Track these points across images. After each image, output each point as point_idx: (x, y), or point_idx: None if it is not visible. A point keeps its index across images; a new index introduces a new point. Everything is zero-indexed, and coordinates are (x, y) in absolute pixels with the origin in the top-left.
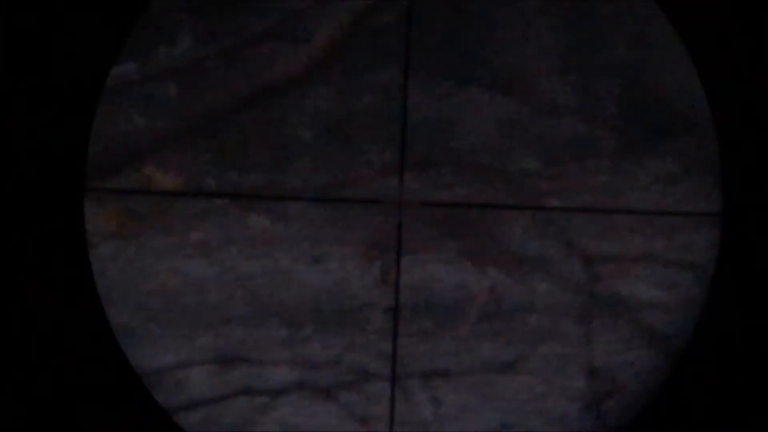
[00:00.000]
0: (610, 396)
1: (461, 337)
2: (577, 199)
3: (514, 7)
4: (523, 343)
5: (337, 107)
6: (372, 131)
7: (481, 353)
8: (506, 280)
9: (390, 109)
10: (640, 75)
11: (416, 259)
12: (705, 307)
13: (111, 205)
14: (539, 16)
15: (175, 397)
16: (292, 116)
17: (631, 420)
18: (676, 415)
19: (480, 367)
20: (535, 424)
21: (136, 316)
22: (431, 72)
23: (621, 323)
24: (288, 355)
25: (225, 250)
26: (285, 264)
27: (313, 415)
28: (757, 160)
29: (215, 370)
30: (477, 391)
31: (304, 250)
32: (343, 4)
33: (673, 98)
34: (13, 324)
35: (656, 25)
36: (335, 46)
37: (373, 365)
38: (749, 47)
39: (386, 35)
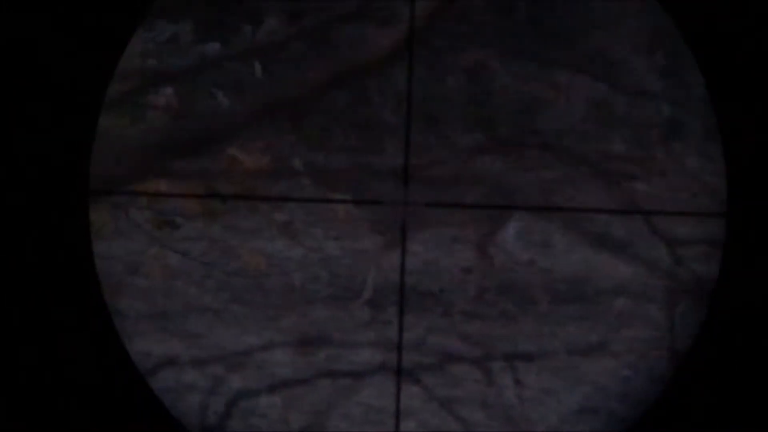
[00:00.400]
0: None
1: (544, 320)
2: (661, 181)
3: None
4: (607, 326)
5: (420, 89)
6: (456, 113)
7: (566, 336)
8: (590, 262)
9: (474, 91)
10: None
11: (496, 239)
12: (709, 307)
13: (195, 185)
14: None
15: (258, 379)
16: (376, 98)
17: (634, 421)
18: (679, 415)
19: (564, 350)
20: (617, 407)
21: (220, 296)
22: (517, 54)
23: (703, 307)
24: (371, 336)
25: (309, 232)
26: (368, 246)
27: (396, 397)
28: (762, 161)
29: (298, 352)
30: (560, 374)
31: (387, 232)
32: None
33: None
34: (14, 325)
35: None
36: (419, 28)
37: (457, 347)
38: (753, 47)
39: (471, 17)
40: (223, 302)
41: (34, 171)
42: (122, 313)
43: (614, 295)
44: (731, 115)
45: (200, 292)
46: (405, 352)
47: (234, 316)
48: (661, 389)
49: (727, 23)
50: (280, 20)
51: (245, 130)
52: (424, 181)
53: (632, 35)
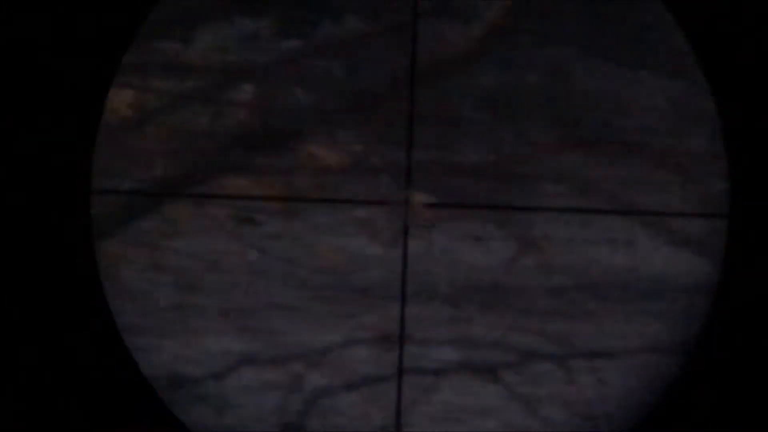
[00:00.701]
0: None
1: (626, 318)
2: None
3: None
4: (686, 324)
5: (503, 85)
6: (538, 110)
7: (647, 334)
8: (672, 260)
9: (557, 88)
10: None
11: (576, 238)
12: (712, 308)
13: (275, 182)
14: None
15: (338, 377)
16: (458, 94)
17: (635, 421)
18: (681, 417)
19: (645, 349)
20: None
21: (301, 294)
22: (598, 52)
23: None
24: (451, 334)
25: (389, 229)
26: (447, 243)
27: (477, 396)
28: (764, 161)
29: (379, 349)
30: (640, 372)
31: (466, 229)
32: None
33: None
34: (17, 327)
35: None
36: (502, 24)
37: (538, 345)
38: (754, 48)
39: (553, 15)
40: (303, 300)
41: (35, 170)
42: (201, 310)
43: (693, 294)
44: (733, 116)
45: (280, 289)
46: (485, 350)
47: (314, 313)
48: (663, 390)
49: (728, 23)
50: (361, 16)
51: (325, 126)
52: (503, 178)
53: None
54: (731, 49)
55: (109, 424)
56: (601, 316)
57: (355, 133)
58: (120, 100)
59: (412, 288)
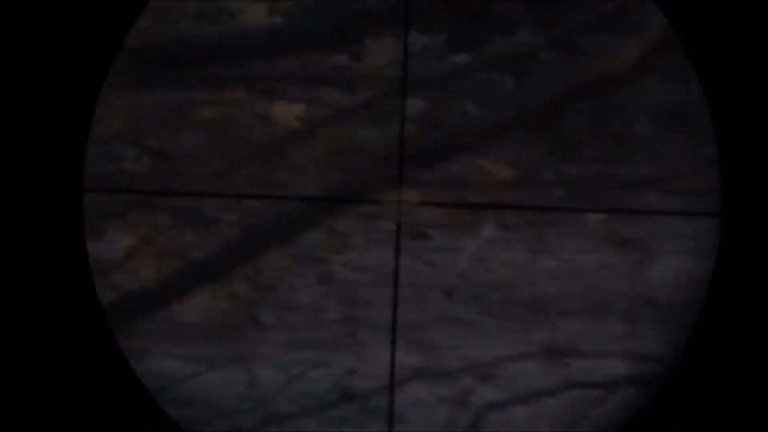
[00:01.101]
0: None
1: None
2: None
3: None
4: None
5: (673, 100)
6: (707, 123)
7: None
8: None
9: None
10: None
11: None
12: (704, 308)
13: (445, 195)
14: None
15: (508, 390)
16: (629, 108)
17: (632, 419)
18: (672, 420)
19: None
20: None
21: (473, 307)
22: None
23: None
24: (622, 349)
25: (560, 243)
26: (622, 259)
27: (644, 410)
28: (757, 161)
29: (549, 363)
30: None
31: (639, 242)
32: None
33: None
34: (15, 326)
35: None
36: (670, 38)
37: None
38: (750, 47)
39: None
40: (472, 313)
41: (34, 170)
42: (371, 324)
43: None
44: (726, 116)
45: (451, 303)
46: (654, 364)
47: (483, 327)
48: (654, 395)
49: (724, 23)
50: (532, 30)
51: (495, 140)
52: (673, 192)
53: None
54: (726, 50)
55: (108, 425)
56: None
57: (525, 146)
58: (288, 112)
59: (585, 303)
